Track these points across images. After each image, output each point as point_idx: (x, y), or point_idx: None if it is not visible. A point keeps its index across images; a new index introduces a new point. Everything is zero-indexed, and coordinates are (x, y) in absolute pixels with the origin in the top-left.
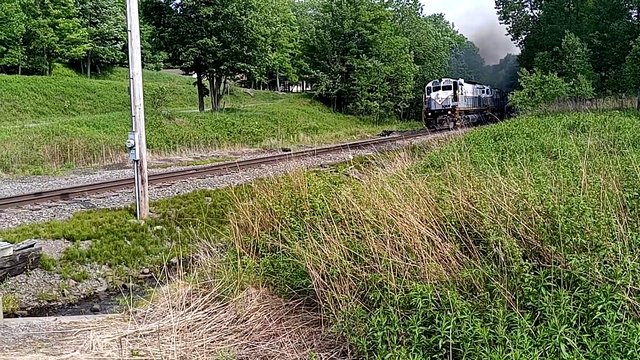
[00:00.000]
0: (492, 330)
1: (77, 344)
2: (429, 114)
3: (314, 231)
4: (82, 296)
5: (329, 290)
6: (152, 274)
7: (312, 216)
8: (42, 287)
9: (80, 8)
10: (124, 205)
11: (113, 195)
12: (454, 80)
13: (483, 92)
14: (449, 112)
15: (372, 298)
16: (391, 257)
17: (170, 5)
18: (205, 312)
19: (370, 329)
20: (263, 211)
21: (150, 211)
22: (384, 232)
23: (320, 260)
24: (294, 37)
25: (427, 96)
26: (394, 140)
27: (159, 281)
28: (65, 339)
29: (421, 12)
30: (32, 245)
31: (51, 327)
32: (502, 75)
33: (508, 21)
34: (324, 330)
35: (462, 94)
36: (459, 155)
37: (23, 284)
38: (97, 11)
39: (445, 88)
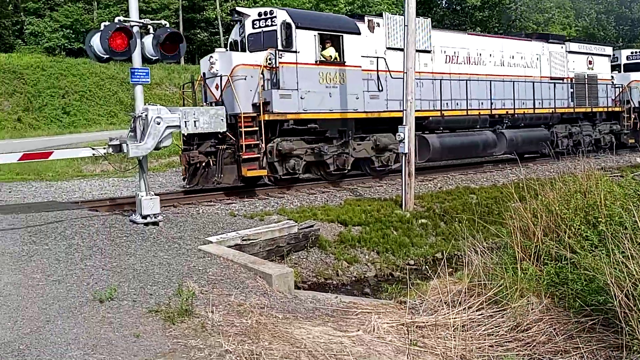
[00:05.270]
0: None
1: (360, 324)
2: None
3: (613, 243)
4: (353, 278)
5: (635, 312)
6: (417, 266)
7: (609, 226)
8: (319, 265)
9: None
10: (389, 196)
11: (378, 186)
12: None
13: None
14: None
15: None
16: None
17: None
18: (481, 314)
19: None
20: (547, 214)
21: (414, 204)
22: None
23: (625, 277)
24: (569, 24)
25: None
26: None
27: (425, 274)
28: (348, 317)
29: None
30: (312, 226)
31: (334, 303)
32: None
33: None
34: (626, 357)
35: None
36: None
37: (304, 260)
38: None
39: (257, 39)
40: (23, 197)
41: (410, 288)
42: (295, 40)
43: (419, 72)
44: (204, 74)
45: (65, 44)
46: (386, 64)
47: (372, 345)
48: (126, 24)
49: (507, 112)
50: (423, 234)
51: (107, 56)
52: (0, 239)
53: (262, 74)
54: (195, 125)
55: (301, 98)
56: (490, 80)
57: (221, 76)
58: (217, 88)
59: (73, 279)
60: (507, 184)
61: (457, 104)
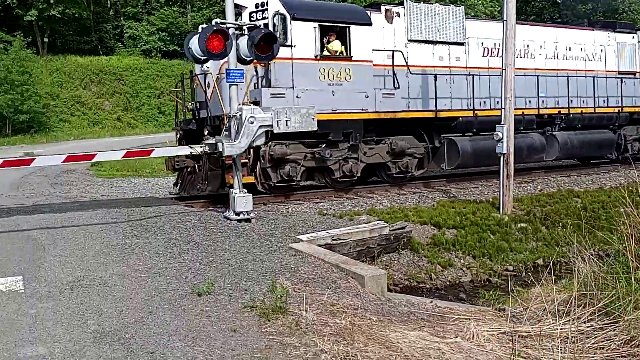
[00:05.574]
0: None
1: (458, 331)
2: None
3: None
4: (447, 283)
5: None
6: (517, 272)
7: None
8: (411, 267)
9: None
10: (485, 198)
11: (473, 187)
12: None
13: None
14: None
15: None
16: None
17: None
18: (590, 326)
19: None
20: None
21: (513, 207)
22: None
23: None
24: None
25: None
26: None
27: (526, 281)
28: (444, 322)
29: None
30: (403, 228)
31: (429, 308)
32: None
33: None
34: None
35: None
36: None
37: (395, 262)
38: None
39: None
40: (123, 193)
41: (511, 295)
42: (291, 33)
43: (449, 67)
44: (190, 72)
45: (161, 46)
46: (404, 58)
47: (471, 354)
48: (222, 25)
49: (559, 111)
50: (522, 239)
51: (205, 57)
52: (105, 232)
53: (256, 71)
54: (287, 125)
55: (297, 97)
56: (538, 75)
57: (210, 74)
58: (208, 87)
59: (172, 272)
60: (617, 187)
61: (498, 102)
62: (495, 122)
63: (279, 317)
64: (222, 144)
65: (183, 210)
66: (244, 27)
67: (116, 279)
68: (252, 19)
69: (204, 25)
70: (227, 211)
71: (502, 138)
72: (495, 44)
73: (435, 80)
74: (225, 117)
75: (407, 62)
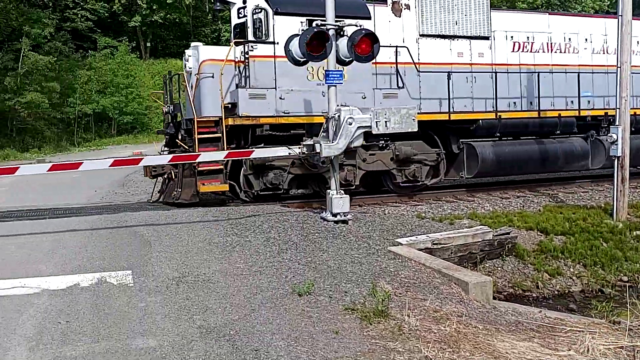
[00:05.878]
0: None
1: (571, 344)
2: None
3: None
4: (555, 292)
5: None
6: (632, 283)
7: None
8: (516, 275)
9: None
10: (596, 203)
11: (582, 192)
12: None
13: None
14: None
15: None
16: None
17: None
18: None
19: None
20: None
21: (628, 214)
22: None
23: None
24: None
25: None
26: None
27: None
28: (555, 334)
29: None
30: (508, 233)
31: (538, 318)
32: None
33: None
34: None
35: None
36: None
37: (499, 268)
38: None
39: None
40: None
41: (629, 307)
42: (273, 28)
43: (470, 64)
44: (169, 72)
45: None
46: (410, 54)
47: None
48: (322, 27)
49: (606, 112)
50: (638, 248)
51: (304, 59)
52: (207, 230)
53: (239, 70)
54: (386, 126)
55: (280, 98)
56: (579, 72)
57: (182, 74)
58: (192, 88)
59: (272, 270)
60: None
61: (531, 103)
62: (527, 124)
63: (381, 321)
64: (320, 144)
65: (280, 210)
66: (344, 28)
67: (219, 276)
68: (240, 15)
69: (305, 27)
70: (324, 212)
71: (617, 140)
72: (528, 38)
73: (449, 78)
74: (195, 121)
75: (413, 59)
